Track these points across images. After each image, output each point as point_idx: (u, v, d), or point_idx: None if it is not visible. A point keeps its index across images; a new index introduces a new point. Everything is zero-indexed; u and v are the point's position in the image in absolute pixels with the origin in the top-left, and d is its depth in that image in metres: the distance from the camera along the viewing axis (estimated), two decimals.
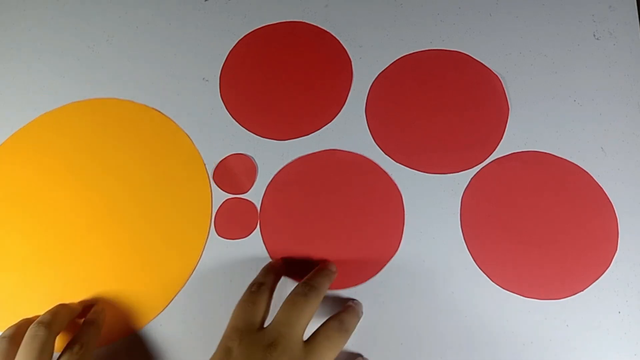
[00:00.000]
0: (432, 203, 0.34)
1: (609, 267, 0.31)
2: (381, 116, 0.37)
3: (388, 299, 0.32)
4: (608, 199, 0.33)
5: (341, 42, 0.39)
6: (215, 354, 0.27)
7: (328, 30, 0.40)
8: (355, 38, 0.39)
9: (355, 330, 0.29)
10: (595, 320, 0.31)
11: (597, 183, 0.33)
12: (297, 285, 0.29)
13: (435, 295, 0.32)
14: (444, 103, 0.36)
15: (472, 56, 0.37)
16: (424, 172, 0.35)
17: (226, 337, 0.27)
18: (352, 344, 0.32)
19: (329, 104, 0.37)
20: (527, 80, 0.36)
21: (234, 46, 0.40)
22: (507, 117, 0.35)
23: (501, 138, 0.35)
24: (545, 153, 0.34)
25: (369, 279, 0.33)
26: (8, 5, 0.45)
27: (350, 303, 0.31)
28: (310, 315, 0.28)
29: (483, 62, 0.37)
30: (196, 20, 0.42)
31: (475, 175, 0.34)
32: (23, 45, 0.43)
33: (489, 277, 0.32)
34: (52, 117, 0.36)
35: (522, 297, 0.31)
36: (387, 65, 0.38)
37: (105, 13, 0.43)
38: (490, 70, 0.37)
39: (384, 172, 0.35)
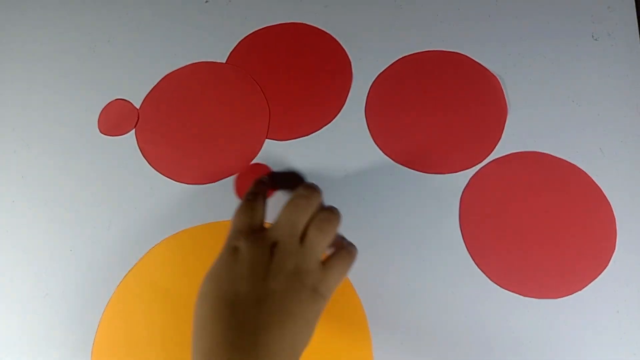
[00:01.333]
0: (432, 203, 0.34)
1: (607, 267, 0.31)
2: (381, 116, 0.37)
3: (387, 299, 0.32)
4: (606, 199, 0.33)
5: (341, 42, 0.39)
6: (221, 254, 0.28)
7: (328, 31, 0.40)
8: (355, 38, 0.39)
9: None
10: (594, 320, 0.31)
11: (595, 183, 0.33)
12: (299, 187, 0.30)
13: (435, 295, 0.32)
14: (443, 103, 0.37)
15: (471, 57, 0.38)
16: (424, 172, 0.35)
17: (230, 238, 0.28)
18: None
19: (329, 104, 0.38)
20: (526, 80, 0.36)
21: (235, 47, 0.40)
22: (506, 118, 0.36)
23: (500, 138, 0.35)
24: (544, 153, 0.34)
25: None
26: (8, 6, 0.45)
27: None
28: (309, 216, 0.29)
29: (482, 63, 0.37)
30: (197, 22, 0.42)
31: (474, 175, 0.34)
32: (24, 46, 0.43)
33: (488, 276, 0.32)
34: (208, 229, 0.36)
35: (521, 296, 0.31)
36: (387, 66, 0.38)
37: (106, 14, 0.43)
38: (489, 71, 0.37)
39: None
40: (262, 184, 0.32)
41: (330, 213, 0.29)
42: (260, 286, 0.26)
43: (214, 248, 0.29)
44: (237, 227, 0.29)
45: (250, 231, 0.28)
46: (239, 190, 0.36)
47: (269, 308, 0.25)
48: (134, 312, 0.34)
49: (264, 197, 0.31)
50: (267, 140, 0.37)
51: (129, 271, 0.34)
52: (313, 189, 0.30)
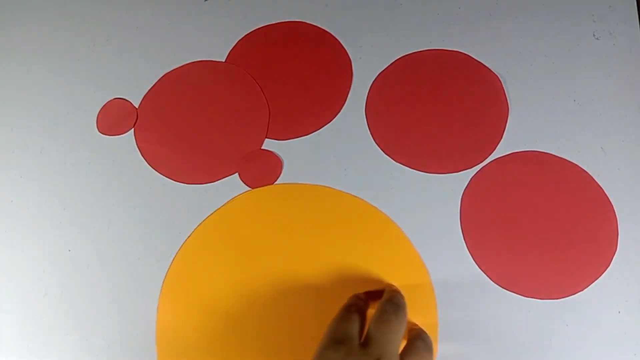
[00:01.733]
0: (432, 203, 0.34)
1: (609, 267, 0.31)
2: (381, 116, 0.37)
3: None
4: (608, 198, 0.33)
5: (341, 42, 0.39)
6: None
7: (328, 30, 0.40)
8: (355, 38, 0.39)
9: None
10: (595, 320, 0.31)
11: (597, 183, 0.33)
12: (382, 303, 0.28)
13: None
14: (444, 103, 0.36)
15: (472, 56, 0.37)
16: (424, 172, 0.35)
17: (326, 349, 0.26)
18: None
19: (329, 104, 0.37)
20: (527, 80, 0.36)
21: (234, 46, 0.40)
22: (507, 117, 0.35)
23: (501, 138, 0.35)
24: (545, 153, 0.34)
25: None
26: (8, 6, 0.45)
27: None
28: (402, 332, 0.27)
29: (483, 62, 0.37)
30: (196, 21, 0.42)
31: (475, 175, 0.34)
32: (23, 46, 0.43)
33: (489, 277, 0.32)
34: (272, 191, 0.36)
35: (522, 297, 0.31)
36: (387, 65, 0.38)
37: (104, 13, 0.43)
38: (490, 70, 0.37)
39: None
40: (359, 299, 0.30)
41: (425, 343, 0.27)
42: None
43: (299, 206, 0.34)
44: (334, 335, 0.26)
45: (348, 344, 0.26)
46: (244, 178, 0.36)
47: None
48: (207, 257, 0.34)
49: (363, 312, 0.29)
50: (266, 139, 0.37)
51: (206, 218, 0.35)
52: (398, 305, 0.28)
